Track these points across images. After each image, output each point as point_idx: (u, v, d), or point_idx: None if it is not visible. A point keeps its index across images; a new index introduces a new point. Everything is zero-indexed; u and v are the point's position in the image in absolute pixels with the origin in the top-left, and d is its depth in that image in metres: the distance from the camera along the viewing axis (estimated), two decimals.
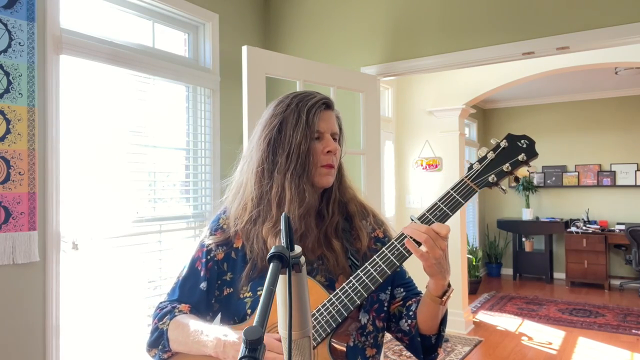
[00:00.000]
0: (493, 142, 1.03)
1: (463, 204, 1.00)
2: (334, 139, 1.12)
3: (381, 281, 0.99)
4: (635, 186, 6.68)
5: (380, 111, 3.02)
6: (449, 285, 1.03)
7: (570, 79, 6.05)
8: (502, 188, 1.03)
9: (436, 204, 1.00)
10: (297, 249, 0.75)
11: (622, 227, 6.51)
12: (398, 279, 1.18)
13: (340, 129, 1.17)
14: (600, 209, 6.96)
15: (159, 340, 1.08)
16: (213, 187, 2.90)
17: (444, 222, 0.99)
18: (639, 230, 6.00)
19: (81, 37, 2.22)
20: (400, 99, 5.19)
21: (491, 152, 1.02)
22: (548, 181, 7.26)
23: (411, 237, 0.98)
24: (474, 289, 6.13)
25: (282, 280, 0.72)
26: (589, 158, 7.00)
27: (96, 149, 2.35)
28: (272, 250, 0.71)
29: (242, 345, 0.59)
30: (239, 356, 0.58)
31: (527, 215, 7.17)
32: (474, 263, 6.19)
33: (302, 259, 0.75)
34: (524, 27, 2.51)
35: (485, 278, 7.27)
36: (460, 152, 4.85)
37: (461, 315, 4.73)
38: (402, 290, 1.17)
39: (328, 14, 3.12)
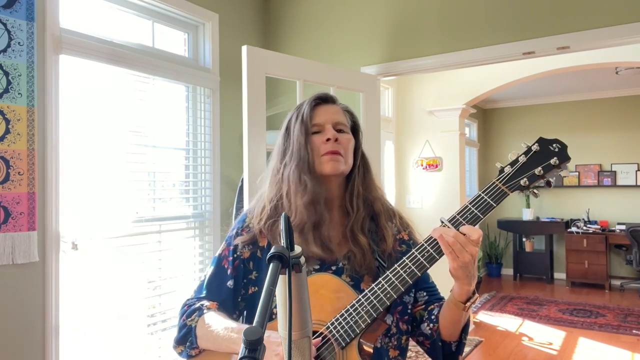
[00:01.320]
0: (524, 145, 1.02)
1: (494, 207, 0.98)
2: (339, 130, 1.16)
3: (410, 282, 0.99)
4: (636, 186, 6.68)
5: (381, 111, 3.01)
6: (474, 292, 1.02)
7: (571, 79, 6.04)
8: (534, 192, 1.01)
9: (467, 206, 0.99)
10: (297, 249, 0.75)
11: (623, 227, 6.51)
12: (421, 283, 1.18)
13: (355, 122, 1.22)
14: (601, 209, 6.95)
15: (186, 337, 1.09)
16: (213, 187, 2.90)
17: (474, 225, 0.98)
18: None
19: (81, 37, 2.21)
20: (400, 98, 5.19)
21: (523, 155, 1.00)
22: None
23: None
24: None
25: (282, 280, 0.72)
26: (590, 158, 6.99)
27: (96, 148, 2.35)
28: (272, 251, 0.71)
29: (242, 345, 0.59)
30: (239, 356, 0.58)
31: (527, 215, 7.16)
32: None
33: (302, 259, 0.75)
34: (524, 27, 2.51)
35: (485, 278, 7.26)
36: (461, 152, 4.85)
37: None
38: (424, 294, 1.17)
39: (328, 14, 3.12)
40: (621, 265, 6.81)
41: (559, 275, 7.14)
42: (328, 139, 1.12)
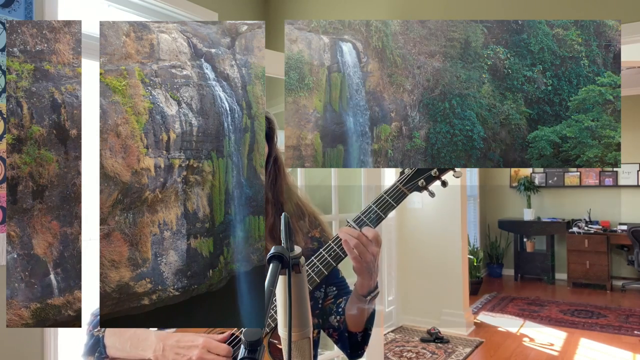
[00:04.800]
0: None
1: (395, 207, 1.08)
2: None
3: (318, 281, 1.05)
4: (638, 186, 6.67)
5: None
6: (376, 286, 1.10)
7: None
8: (430, 191, 1.09)
9: (370, 207, 1.07)
10: (297, 249, 0.74)
11: (624, 227, 6.49)
12: (331, 278, 1.24)
13: (270, 127, 1.25)
14: (602, 209, 6.94)
15: (95, 348, 1.12)
16: None
17: (377, 224, 1.06)
18: None
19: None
20: None
21: None
22: (550, 181, 7.24)
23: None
24: (475, 289, 6.11)
25: (282, 280, 0.71)
26: None
27: (96, 149, 2.34)
28: (271, 251, 0.71)
29: (242, 346, 0.58)
30: (239, 357, 0.58)
31: (528, 215, 7.15)
32: (475, 264, 6.18)
33: (302, 259, 0.74)
34: None
35: (486, 279, 7.25)
36: None
37: (462, 316, 4.71)
38: (334, 288, 1.24)
39: (328, 14, 3.11)
40: (623, 266, 6.79)
41: (560, 275, 7.13)
42: None
